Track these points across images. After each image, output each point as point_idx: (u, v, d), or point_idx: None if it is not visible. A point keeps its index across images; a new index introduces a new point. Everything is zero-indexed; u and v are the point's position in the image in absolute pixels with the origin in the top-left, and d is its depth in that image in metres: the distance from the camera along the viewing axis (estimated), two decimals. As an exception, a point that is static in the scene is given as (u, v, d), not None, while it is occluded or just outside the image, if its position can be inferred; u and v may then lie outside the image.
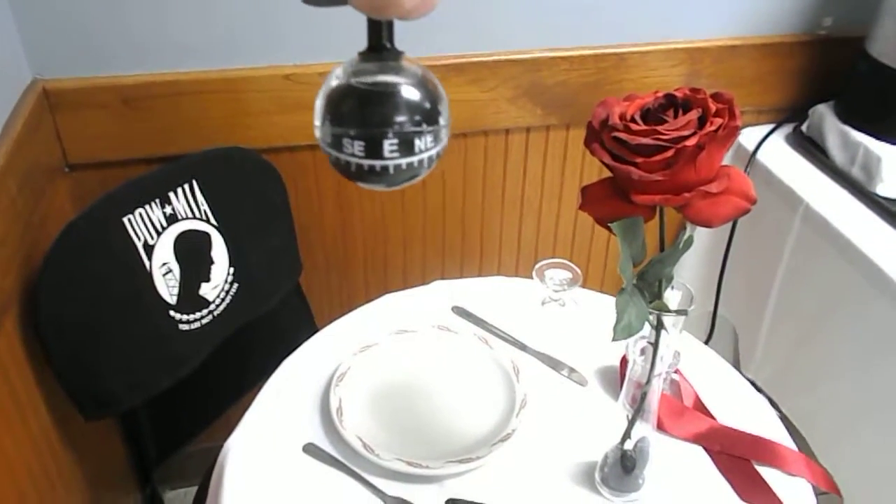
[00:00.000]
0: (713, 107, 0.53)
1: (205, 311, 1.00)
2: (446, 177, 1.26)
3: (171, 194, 0.96)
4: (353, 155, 0.46)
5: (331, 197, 1.22)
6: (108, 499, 1.12)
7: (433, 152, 0.47)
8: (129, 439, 1.00)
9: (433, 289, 1.00)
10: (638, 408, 0.68)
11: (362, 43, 0.47)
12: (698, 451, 0.79)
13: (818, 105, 1.25)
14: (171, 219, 0.95)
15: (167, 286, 0.95)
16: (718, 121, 0.52)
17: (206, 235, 1.00)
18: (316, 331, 0.96)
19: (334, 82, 0.47)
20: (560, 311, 0.87)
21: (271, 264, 1.09)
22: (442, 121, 0.47)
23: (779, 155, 1.25)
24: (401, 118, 0.45)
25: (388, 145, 0.45)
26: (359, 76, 0.46)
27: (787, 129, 1.30)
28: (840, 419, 1.10)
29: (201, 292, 0.99)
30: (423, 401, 0.84)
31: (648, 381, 0.65)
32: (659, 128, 0.52)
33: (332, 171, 1.29)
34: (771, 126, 1.31)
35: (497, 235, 1.36)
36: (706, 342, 1.35)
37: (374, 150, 0.45)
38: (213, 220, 1.00)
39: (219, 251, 1.01)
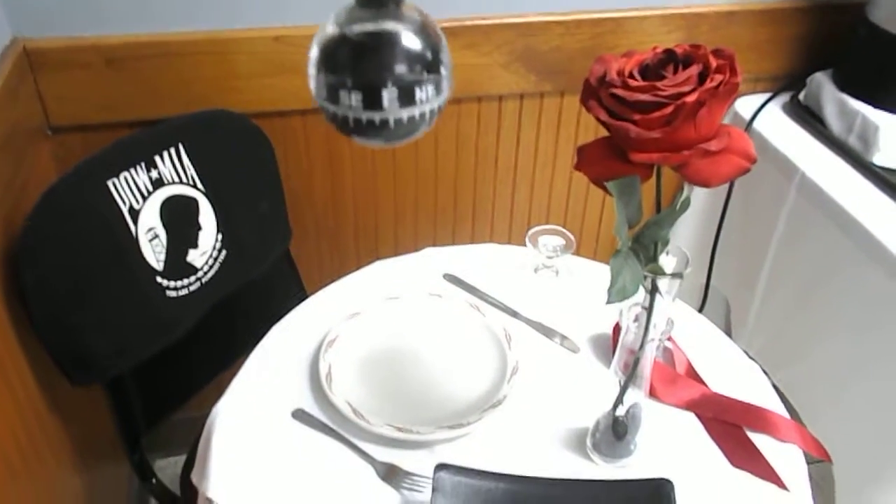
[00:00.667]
0: (714, 62, 0.51)
1: (192, 278, 0.98)
2: (438, 143, 1.24)
3: (157, 158, 0.93)
4: (350, 107, 0.43)
5: (321, 163, 1.20)
6: (98, 466, 1.11)
7: (435, 105, 0.45)
8: (116, 406, 0.99)
9: (424, 256, 0.99)
10: (630, 374, 0.67)
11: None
12: (690, 417, 0.79)
13: (816, 73, 1.23)
14: (157, 183, 0.93)
15: (154, 252, 0.93)
16: (719, 77, 0.50)
17: (194, 201, 0.98)
18: (305, 298, 0.94)
19: (330, 30, 0.44)
20: (553, 279, 0.86)
21: (260, 231, 1.08)
22: (443, 70, 0.45)
23: (775, 124, 1.23)
24: (401, 67, 0.43)
25: (388, 95, 0.43)
26: (356, 23, 0.44)
27: (785, 97, 1.28)
28: (830, 388, 1.10)
29: (189, 258, 0.98)
30: (413, 367, 0.83)
31: (641, 347, 0.64)
32: (658, 84, 0.50)
33: (323, 137, 1.27)
34: (768, 95, 1.29)
35: (490, 203, 1.34)
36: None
37: (372, 101, 0.43)
38: (200, 185, 0.98)
39: (206, 217, 0.99)
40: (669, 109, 0.49)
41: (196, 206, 0.98)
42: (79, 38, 1.01)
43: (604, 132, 0.56)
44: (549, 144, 1.29)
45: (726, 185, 1.26)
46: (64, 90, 1.02)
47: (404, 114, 0.43)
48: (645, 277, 0.59)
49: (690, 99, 0.49)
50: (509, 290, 0.93)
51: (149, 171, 0.93)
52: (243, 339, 1.02)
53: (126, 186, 0.90)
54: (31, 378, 0.88)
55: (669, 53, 0.52)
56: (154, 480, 1.03)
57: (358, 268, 0.99)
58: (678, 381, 0.80)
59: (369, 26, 0.43)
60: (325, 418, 0.76)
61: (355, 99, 0.43)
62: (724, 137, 0.51)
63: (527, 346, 0.84)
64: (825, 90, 1.19)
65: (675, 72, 0.51)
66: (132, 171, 0.91)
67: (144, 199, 0.92)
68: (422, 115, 0.45)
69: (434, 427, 0.73)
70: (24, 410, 0.86)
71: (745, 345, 1.31)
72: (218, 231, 1.01)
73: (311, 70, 0.45)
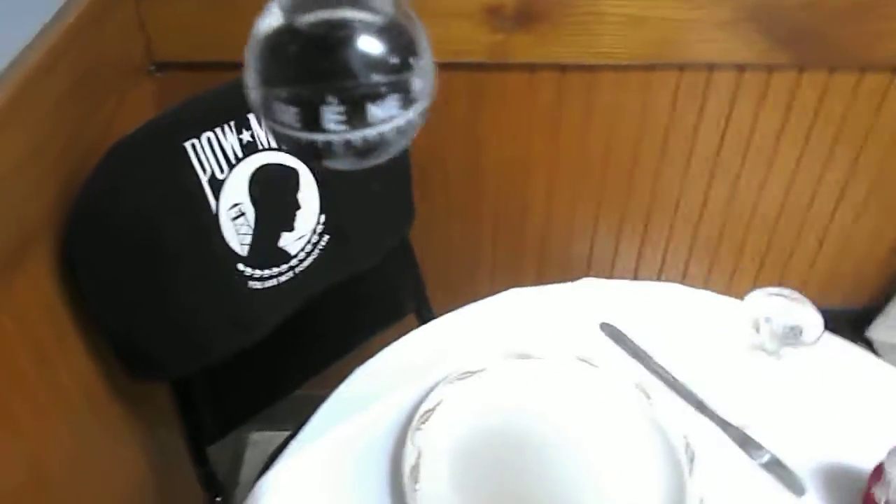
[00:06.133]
0: None
1: (284, 267, 0.82)
2: (615, 116, 0.99)
3: (251, 116, 0.76)
4: (284, 125, 0.36)
5: (459, 129, 1.00)
6: (171, 464, 0.98)
7: (401, 121, 0.36)
8: (182, 411, 0.85)
9: (579, 289, 0.73)
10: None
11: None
12: None
13: None
14: (249, 148, 0.77)
15: (237, 233, 0.78)
16: None
17: (293, 172, 0.81)
18: (425, 300, 0.73)
19: (268, 21, 0.37)
20: (771, 363, 0.57)
21: (374, 214, 0.90)
22: (416, 78, 0.36)
23: None
24: (350, 74, 0.35)
25: (330, 113, 0.35)
26: (301, 12, 0.36)
27: None
28: None
29: (281, 243, 0.82)
30: (534, 474, 0.58)
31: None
32: None
33: (465, 94, 1.02)
34: None
35: (672, 202, 1.09)
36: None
37: (310, 120, 0.36)
38: (303, 154, 0.79)
39: (307, 193, 0.82)
40: None
41: (296, 180, 0.81)
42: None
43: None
44: (769, 135, 1.01)
45: None
46: (171, 20, 0.90)
47: (357, 136, 0.36)
48: None
49: None
50: (698, 366, 0.64)
51: (239, 132, 0.76)
52: (338, 344, 0.90)
53: (209, 150, 0.74)
54: (83, 361, 0.75)
55: None
56: (219, 498, 0.88)
57: (494, 263, 0.76)
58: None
59: (316, 17, 0.36)
60: (404, 531, 0.53)
61: (292, 116, 0.36)
62: None
63: (717, 468, 0.56)
64: None
65: None
66: (218, 130, 0.75)
67: (231, 167, 0.76)
68: (381, 136, 0.36)
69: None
70: (73, 399, 0.73)
71: None
72: (321, 212, 0.84)
73: (246, 76, 0.38)
